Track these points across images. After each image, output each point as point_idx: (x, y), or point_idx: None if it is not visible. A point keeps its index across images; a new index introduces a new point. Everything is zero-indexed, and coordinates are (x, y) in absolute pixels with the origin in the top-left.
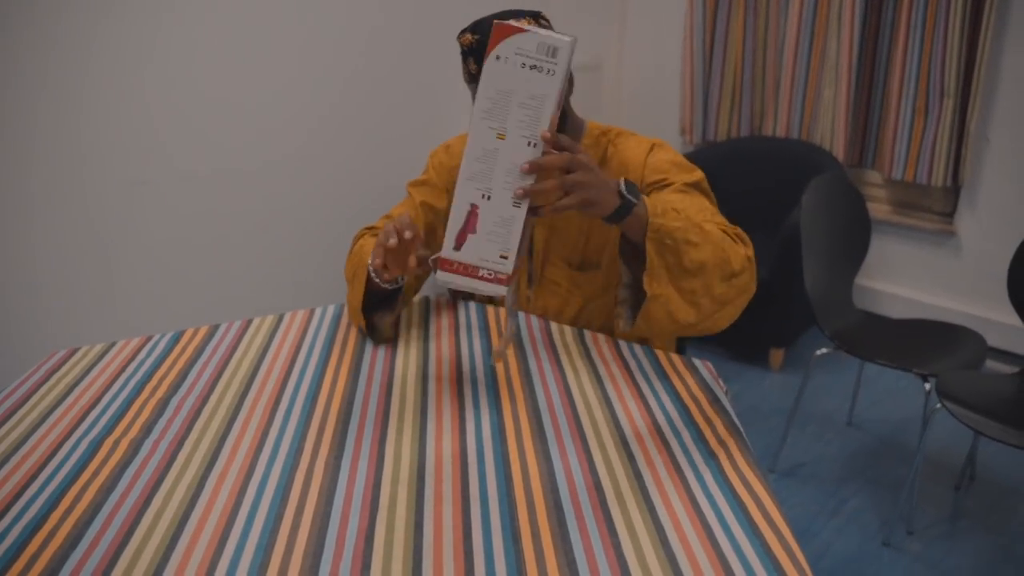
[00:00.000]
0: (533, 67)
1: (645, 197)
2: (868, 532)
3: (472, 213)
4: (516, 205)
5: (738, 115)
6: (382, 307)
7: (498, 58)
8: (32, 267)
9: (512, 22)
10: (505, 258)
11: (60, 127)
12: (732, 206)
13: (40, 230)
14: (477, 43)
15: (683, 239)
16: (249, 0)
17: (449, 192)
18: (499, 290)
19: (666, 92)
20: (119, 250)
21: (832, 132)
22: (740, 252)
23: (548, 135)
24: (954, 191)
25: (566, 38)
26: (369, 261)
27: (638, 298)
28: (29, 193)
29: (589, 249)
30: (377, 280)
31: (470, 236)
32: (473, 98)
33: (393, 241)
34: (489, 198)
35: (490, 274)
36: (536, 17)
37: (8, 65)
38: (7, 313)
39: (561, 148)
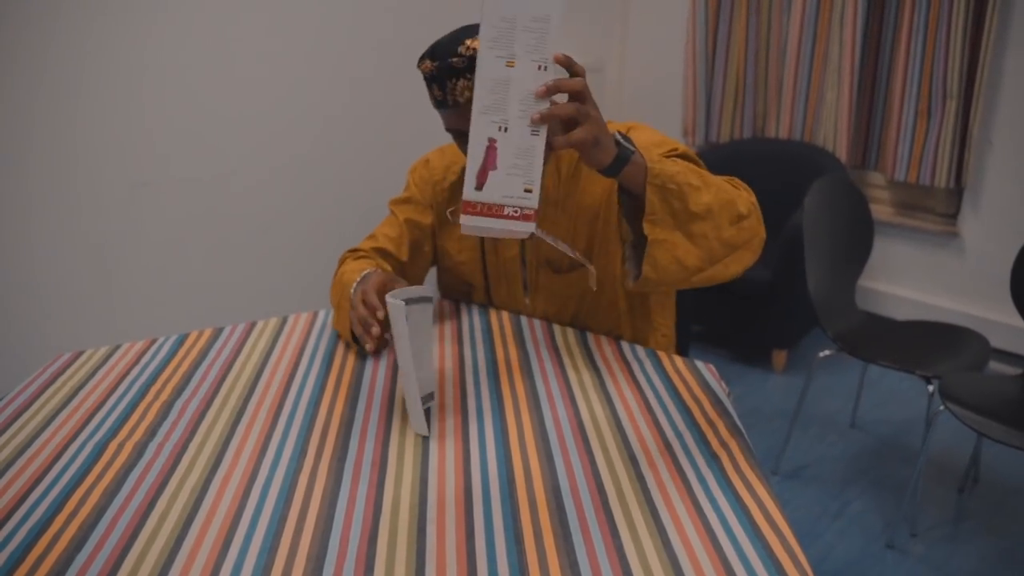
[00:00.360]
0: None
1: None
2: (871, 534)
3: (490, 148)
4: (534, 133)
5: (741, 117)
6: None
7: None
8: (34, 271)
9: None
10: (530, 191)
11: (60, 129)
12: None
13: (41, 233)
14: (437, 70)
15: (685, 182)
16: (250, 4)
17: (433, 207)
18: (527, 227)
19: (669, 94)
20: (121, 253)
21: (835, 134)
22: (744, 196)
23: (561, 56)
24: (957, 193)
25: None
26: (350, 324)
27: (642, 254)
28: (29, 196)
29: (577, 247)
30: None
31: (491, 173)
32: (443, 121)
33: (376, 330)
34: (506, 130)
35: (516, 211)
36: None
37: (5, 65)
38: (10, 317)
39: (573, 73)
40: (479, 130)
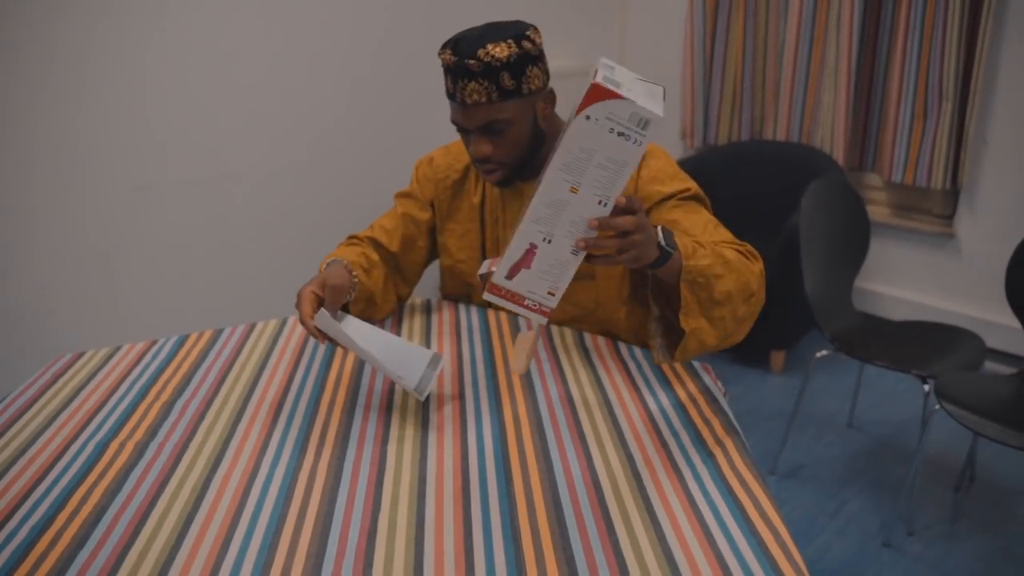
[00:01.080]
0: (621, 134)
1: (676, 240)
2: (868, 533)
3: (530, 251)
4: (574, 253)
5: (739, 119)
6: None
7: (588, 118)
8: (36, 272)
9: (608, 83)
10: (552, 295)
11: (62, 132)
12: (733, 209)
13: (43, 235)
14: (454, 65)
15: (712, 274)
16: (252, 7)
17: (432, 205)
18: (540, 319)
19: (667, 96)
20: (123, 255)
21: (832, 135)
22: (755, 271)
23: (623, 201)
24: (953, 194)
25: (658, 112)
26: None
27: (667, 328)
28: (32, 198)
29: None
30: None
31: (524, 270)
32: (450, 112)
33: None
34: (550, 242)
35: (535, 305)
36: (519, 39)
37: (8, 68)
38: (13, 318)
39: (630, 210)
40: (525, 234)
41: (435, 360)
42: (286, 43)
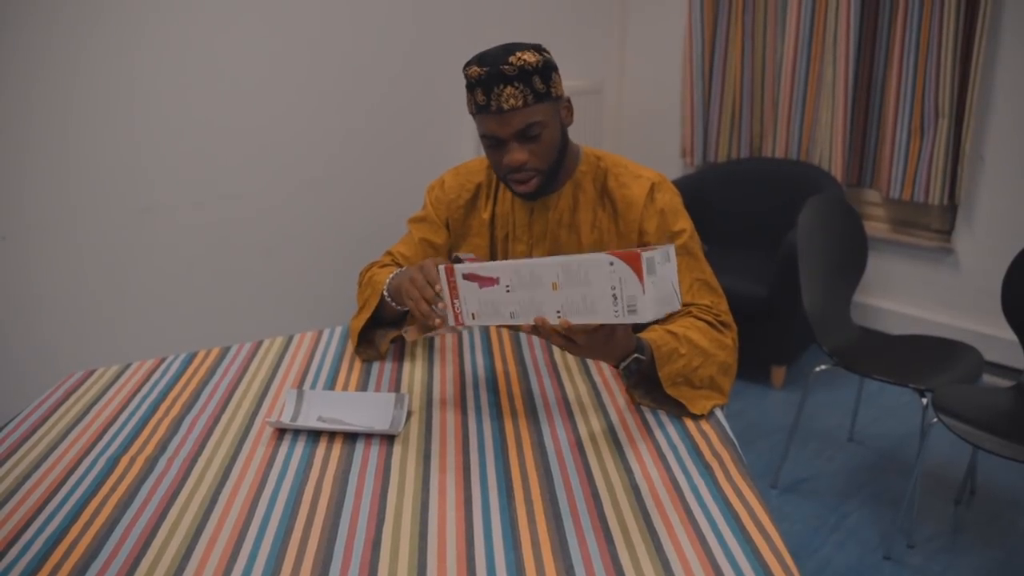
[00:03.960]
0: (614, 296)
1: (649, 343)
2: (869, 546)
3: (492, 280)
4: (511, 316)
5: (738, 137)
6: (386, 325)
7: (611, 264)
8: (46, 292)
9: (648, 263)
10: (474, 318)
11: (71, 151)
12: (733, 226)
13: (53, 255)
14: (487, 75)
15: (690, 369)
16: (264, 27)
17: (448, 226)
18: (452, 324)
19: (667, 115)
20: (131, 276)
21: (830, 152)
22: (729, 344)
23: (568, 324)
24: (951, 209)
25: (649, 316)
26: (385, 292)
27: (642, 381)
28: (40, 218)
29: None
30: (395, 304)
31: (476, 286)
32: (479, 127)
33: (433, 294)
34: (508, 291)
35: (459, 310)
36: (539, 50)
37: (14, 85)
38: (24, 337)
39: (569, 338)
40: (502, 268)
41: (400, 400)
42: (289, 69)
